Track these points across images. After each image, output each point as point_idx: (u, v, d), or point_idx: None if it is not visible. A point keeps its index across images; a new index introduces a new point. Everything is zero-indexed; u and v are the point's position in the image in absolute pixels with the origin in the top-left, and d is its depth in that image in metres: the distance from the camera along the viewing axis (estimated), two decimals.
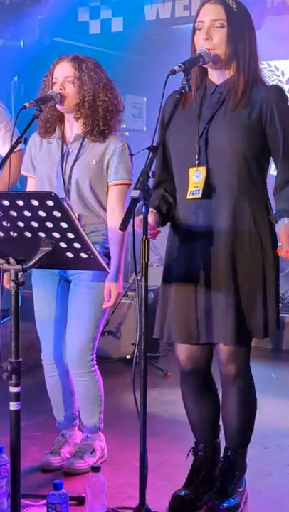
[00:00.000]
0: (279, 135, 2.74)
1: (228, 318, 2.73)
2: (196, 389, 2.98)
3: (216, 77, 2.81)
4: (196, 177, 2.76)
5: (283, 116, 2.74)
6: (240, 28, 2.74)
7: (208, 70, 2.82)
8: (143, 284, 2.55)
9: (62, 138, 3.29)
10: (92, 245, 2.39)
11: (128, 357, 5.13)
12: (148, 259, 2.53)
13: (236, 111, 2.73)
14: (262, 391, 3.76)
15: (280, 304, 6.07)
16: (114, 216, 3.21)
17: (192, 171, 2.77)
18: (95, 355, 3.31)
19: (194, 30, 2.77)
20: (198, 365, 2.92)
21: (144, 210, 2.51)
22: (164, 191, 2.91)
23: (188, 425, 3.09)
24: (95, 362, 3.32)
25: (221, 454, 3.03)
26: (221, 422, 3.01)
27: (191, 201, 2.78)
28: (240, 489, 2.96)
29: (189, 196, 2.77)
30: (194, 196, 2.75)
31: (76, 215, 3.18)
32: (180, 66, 2.60)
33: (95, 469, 2.74)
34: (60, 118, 3.30)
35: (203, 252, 2.77)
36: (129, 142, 3.31)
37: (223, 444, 3.03)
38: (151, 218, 2.68)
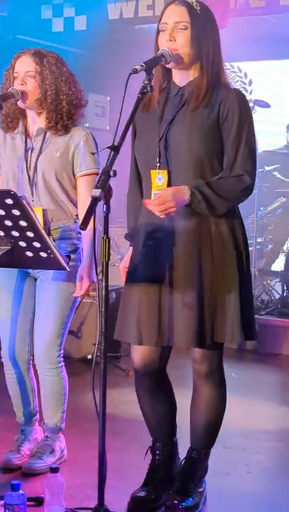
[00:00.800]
0: (235, 134, 2.73)
1: (188, 320, 2.73)
2: (151, 390, 2.98)
3: (179, 78, 2.81)
4: (159, 180, 2.76)
5: (239, 118, 2.73)
6: (204, 30, 2.74)
7: (172, 72, 2.82)
8: (103, 283, 2.54)
9: (26, 132, 3.27)
10: (52, 244, 2.37)
11: (89, 357, 5.12)
12: (109, 259, 2.52)
13: (196, 111, 2.74)
14: None
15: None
16: (85, 208, 3.18)
17: (154, 173, 2.77)
18: (62, 352, 3.31)
19: (158, 32, 2.78)
20: (152, 367, 2.91)
21: (104, 210, 2.50)
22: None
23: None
24: (62, 359, 3.32)
25: (179, 453, 3.04)
26: (178, 421, 3.01)
27: None
28: (200, 489, 2.97)
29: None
30: None
31: (41, 210, 3.18)
32: (142, 65, 2.60)
33: (54, 470, 2.72)
34: (22, 112, 3.28)
35: (166, 253, 2.77)
36: None
37: (181, 443, 3.03)
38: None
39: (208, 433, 2.96)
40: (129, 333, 2.84)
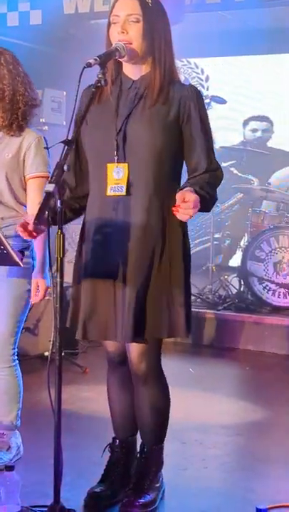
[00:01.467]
0: (196, 133, 2.75)
1: (129, 315, 2.72)
2: (122, 380, 2.96)
3: (131, 71, 2.80)
4: (116, 173, 2.74)
5: (200, 114, 2.75)
6: (156, 23, 2.73)
7: (124, 64, 2.80)
8: (58, 279, 2.52)
9: None
10: (4, 240, 2.35)
11: (46, 354, 5.08)
12: (64, 255, 2.50)
13: (155, 107, 2.73)
14: (180, 386, 3.81)
15: (199, 300, 6.22)
16: (34, 210, 3.16)
17: (111, 167, 2.75)
18: (16, 350, 3.28)
19: (109, 24, 2.76)
20: (125, 358, 2.90)
21: (59, 205, 2.48)
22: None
23: (105, 421, 3.08)
24: (16, 357, 3.29)
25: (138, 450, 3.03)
26: None
27: (110, 197, 2.75)
28: (156, 485, 2.96)
29: (110, 193, 2.75)
30: (116, 193, 2.74)
31: None
32: (96, 59, 2.58)
33: (9, 468, 2.69)
34: None
35: (118, 248, 2.75)
36: (49, 136, 3.28)
37: (139, 440, 3.03)
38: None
39: (155, 430, 2.95)
40: (89, 329, 2.82)
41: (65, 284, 2.52)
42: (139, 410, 2.92)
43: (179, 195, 2.56)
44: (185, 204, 2.52)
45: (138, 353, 2.81)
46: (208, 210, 2.77)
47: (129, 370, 2.91)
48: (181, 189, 2.64)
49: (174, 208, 2.56)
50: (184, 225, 2.80)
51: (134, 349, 2.80)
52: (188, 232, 2.87)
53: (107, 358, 2.98)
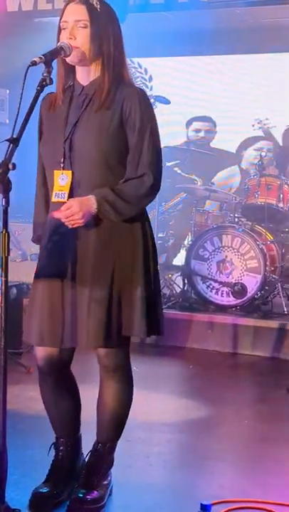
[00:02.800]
0: (138, 132, 2.75)
1: (96, 321, 2.72)
2: (54, 388, 2.96)
3: (82, 76, 2.81)
4: (62, 180, 2.76)
5: (143, 113, 2.76)
6: (104, 28, 2.75)
7: (76, 70, 2.82)
8: (3, 278, 2.51)
9: None
10: None
11: None
12: (8, 254, 2.49)
13: (100, 112, 2.74)
14: None
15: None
16: None
17: (57, 173, 2.77)
18: None
19: (59, 30, 2.77)
20: (56, 366, 2.90)
21: (3, 203, 2.47)
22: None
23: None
24: None
25: (83, 448, 3.04)
26: (82, 416, 3.01)
27: (56, 204, 2.77)
28: (105, 482, 2.98)
29: (54, 199, 2.78)
30: (59, 199, 2.76)
31: None
32: (41, 58, 2.59)
33: None
34: None
35: (75, 251, 2.75)
36: None
37: (85, 438, 3.03)
38: None
39: (115, 427, 2.97)
40: (32, 333, 2.82)
41: (10, 283, 2.52)
42: (101, 405, 2.93)
43: (69, 202, 2.67)
44: (57, 213, 2.67)
45: (106, 351, 2.82)
46: (126, 218, 2.75)
47: (61, 377, 2.94)
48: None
49: (55, 212, 2.69)
50: (142, 225, 2.81)
51: (102, 348, 2.81)
52: None
53: (37, 365, 2.95)
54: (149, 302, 2.80)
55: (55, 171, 2.77)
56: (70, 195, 2.73)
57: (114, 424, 2.97)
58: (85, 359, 3.17)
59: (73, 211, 2.63)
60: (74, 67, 2.81)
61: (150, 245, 2.85)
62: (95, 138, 2.72)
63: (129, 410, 2.98)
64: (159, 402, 4.44)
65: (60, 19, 2.77)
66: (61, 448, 3.01)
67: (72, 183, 2.74)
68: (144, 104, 2.78)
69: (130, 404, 2.98)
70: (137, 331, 2.79)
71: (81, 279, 2.74)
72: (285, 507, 2.96)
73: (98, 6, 2.74)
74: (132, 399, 2.98)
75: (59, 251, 2.79)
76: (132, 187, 2.75)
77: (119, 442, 3.05)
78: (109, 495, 2.99)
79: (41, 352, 2.88)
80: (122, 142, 2.76)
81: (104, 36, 2.74)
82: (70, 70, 2.83)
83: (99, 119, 2.73)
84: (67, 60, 2.75)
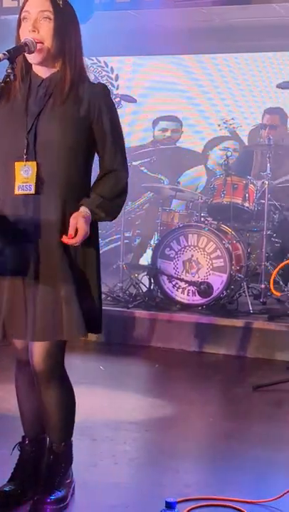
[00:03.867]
0: (107, 132, 2.77)
1: (36, 315, 2.71)
2: (31, 380, 2.93)
3: (41, 70, 2.79)
4: (25, 172, 2.72)
5: (110, 113, 2.78)
6: (67, 23, 2.74)
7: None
8: None
9: None
10: None
11: None
12: None
13: (65, 106, 2.73)
14: (91, 383, 3.80)
15: (109, 298, 6.23)
16: None
17: (19, 165, 2.72)
18: None
19: (20, 21, 2.74)
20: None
21: None
22: None
23: (14, 420, 3.06)
24: None
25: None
26: None
27: (19, 196, 2.73)
28: (67, 481, 2.96)
29: (18, 191, 2.73)
30: (24, 192, 2.72)
31: None
32: (4, 54, 2.57)
33: None
34: None
35: (31, 247, 2.73)
36: None
37: None
38: None
39: (62, 427, 2.93)
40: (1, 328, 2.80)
41: None
42: (44, 409, 2.90)
43: (72, 222, 2.68)
44: (74, 239, 2.67)
45: (40, 353, 2.79)
46: (111, 220, 2.84)
47: None
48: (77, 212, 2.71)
49: (64, 237, 2.68)
50: (95, 223, 2.82)
51: (37, 350, 2.78)
52: (99, 231, 2.90)
53: (16, 356, 2.95)
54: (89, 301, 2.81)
55: (16, 163, 2.72)
56: (36, 187, 2.71)
57: (61, 426, 2.92)
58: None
59: (85, 229, 2.68)
60: None
61: (98, 243, 2.88)
62: (62, 129, 2.71)
63: (74, 411, 2.94)
64: (124, 401, 4.43)
65: (21, 10, 2.74)
66: (26, 447, 2.99)
67: (37, 175, 2.71)
68: (111, 103, 2.81)
69: (74, 404, 2.94)
70: (76, 332, 2.77)
71: (39, 275, 2.72)
72: (250, 504, 2.98)
73: (61, 3, 2.73)
74: (74, 400, 2.94)
75: (16, 248, 2.75)
76: (111, 186, 2.79)
77: (84, 441, 3.05)
78: (72, 494, 2.97)
79: (19, 342, 2.86)
80: (86, 136, 2.76)
81: (66, 32, 2.73)
82: (27, 61, 2.78)
83: (64, 112, 2.72)
84: (30, 59, 2.73)
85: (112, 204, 2.80)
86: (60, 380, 2.87)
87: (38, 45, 2.68)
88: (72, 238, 2.68)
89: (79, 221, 2.69)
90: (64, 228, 2.72)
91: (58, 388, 2.87)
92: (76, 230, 2.68)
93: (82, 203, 2.75)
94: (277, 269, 3.34)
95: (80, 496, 3.01)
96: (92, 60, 8.35)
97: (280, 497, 2.99)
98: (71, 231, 2.68)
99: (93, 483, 3.17)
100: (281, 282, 5.94)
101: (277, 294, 4.05)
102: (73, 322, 2.73)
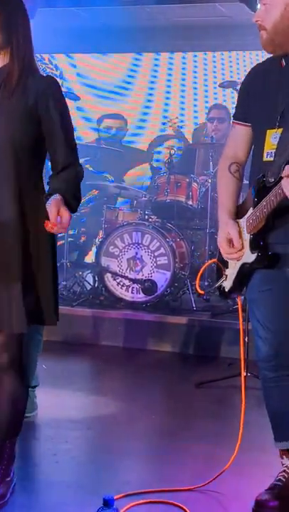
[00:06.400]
0: (57, 125, 2.77)
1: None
2: None
3: None
4: None
5: (60, 106, 2.78)
6: (15, 16, 2.73)
7: None
8: None
9: None
10: None
11: None
12: None
13: (12, 99, 2.72)
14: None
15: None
16: None
17: None
18: None
19: None
20: None
21: None
22: None
23: None
24: None
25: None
26: None
27: None
28: (7, 479, 2.94)
29: None
30: None
31: None
32: None
33: None
34: None
35: None
36: None
37: None
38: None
39: (13, 422, 2.93)
40: None
41: None
42: None
43: (53, 209, 2.64)
44: (61, 225, 2.64)
45: (1, 343, 2.80)
46: (74, 212, 2.81)
47: None
48: (50, 194, 2.71)
49: (47, 223, 2.63)
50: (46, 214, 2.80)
51: None
52: None
53: None
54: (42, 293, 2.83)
55: None
56: None
57: (13, 420, 2.93)
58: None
59: (68, 217, 2.66)
60: None
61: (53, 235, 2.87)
62: (9, 122, 2.71)
63: (25, 408, 2.96)
64: (67, 400, 4.42)
65: None
66: None
67: None
68: (61, 96, 2.80)
69: (26, 401, 2.97)
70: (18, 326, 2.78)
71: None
72: (184, 492, 3.01)
73: None
74: (27, 397, 2.97)
75: None
76: (73, 179, 2.80)
77: (25, 440, 3.03)
78: (12, 492, 2.95)
79: None
80: (34, 128, 2.75)
81: (13, 25, 2.72)
82: None
83: (12, 105, 2.71)
84: None
85: (76, 197, 2.80)
86: (17, 371, 2.87)
87: None
88: (55, 226, 2.64)
89: (61, 208, 2.67)
90: (15, 224, 2.72)
91: (15, 380, 2.87)
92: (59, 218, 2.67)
93: (54, 190, 2.73)
94: (203, 269, 3.39)
95: (21, 494, 3.00)
96: (36, 56, 8.29)
97: (211, 481, 3.09)
98: (53, 219, 2.64)
99: (34, 482, 3.17)
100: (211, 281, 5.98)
101: (202, 292, 4.15)
102: (20, 316, 2.74)
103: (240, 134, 2.99)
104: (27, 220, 2.76)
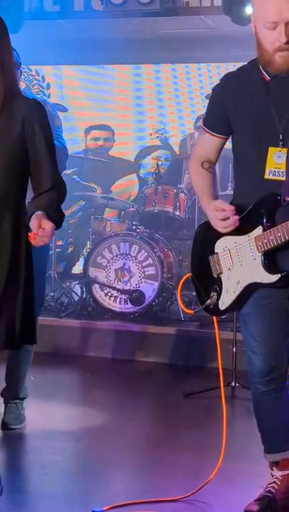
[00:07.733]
0: (42, 149, 2.80)
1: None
2: None
3: None
4: None
5: (44, 130, 2.81)
6: (1, 44, 2.74)
7: None
8: None
9: None
10: None
11: None
12: None
13: None
14: None
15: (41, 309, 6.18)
16: None
17: None
18: None
19: None
20: None
21: None
22: None
23: None
24: None
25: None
26: None
27: None
28: None
29: None
30: None
31: None
32: None
33: None
34: None
35: None
36: None
37: None
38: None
39: None
40: None
41: None
42: None
43: (34, 222, 2.65)
44: (42, 232, 2.63)
45: None
46: (59, 228, 2.82)
47: None
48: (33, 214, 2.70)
49: (30, 235, 2.64)
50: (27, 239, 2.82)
51: None
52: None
53: None
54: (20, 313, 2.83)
55: None
56: None
57: None
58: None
59: (51, 228, 2.66)
60: None
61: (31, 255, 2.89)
62: None
63: None
64: (55, 411, 4.42)
65: None
66: None
67: None
68: (45, 121, 2.83)
69: None
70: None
71: None
72: (170, 503, 3.02)
73: None
74: None
75: None
76: (61, 196, 2.84)
77: (14, 452, 3.03)
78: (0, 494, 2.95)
79: None
80: (21, 152, 2.78)
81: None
82: None
83: None
84: None
85: (61, 218, 2.83)
86: None
87: None
88: (37, 234, 2.65)
89: (43, 220, 2.67)
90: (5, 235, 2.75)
91: None
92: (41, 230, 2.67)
93: (37, 207, 2.75)
94: (180, 286, 3.36)
95: (10, 507, 2.99)
96: (24, 68, 8.30)
97: (196, 492, 3.08)
98: (34, 228, 2.65)
99: (23, 495, 3.15)
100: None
101: (190, 311, 4.07)
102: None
103: (210, 142, 2.95)
104: (13, 242, 2.79)
